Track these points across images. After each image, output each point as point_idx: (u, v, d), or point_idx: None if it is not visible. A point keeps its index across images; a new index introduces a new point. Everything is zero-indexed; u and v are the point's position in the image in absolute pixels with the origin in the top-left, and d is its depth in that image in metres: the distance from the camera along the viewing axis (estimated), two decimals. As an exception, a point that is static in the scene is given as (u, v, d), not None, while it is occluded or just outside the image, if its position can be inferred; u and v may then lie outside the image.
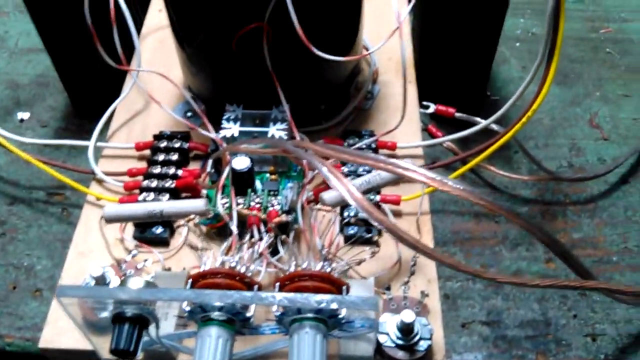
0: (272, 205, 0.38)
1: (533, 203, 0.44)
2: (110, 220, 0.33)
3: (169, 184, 0.41)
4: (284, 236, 0.36)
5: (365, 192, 0.34)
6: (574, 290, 0.39)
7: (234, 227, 0.35)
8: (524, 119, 0.38)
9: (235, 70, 0.41)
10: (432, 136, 0.47)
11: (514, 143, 0.44)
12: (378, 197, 0.39)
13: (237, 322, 0.29)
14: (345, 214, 0.39)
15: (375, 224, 0.29)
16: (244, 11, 0.37)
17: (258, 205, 0.38)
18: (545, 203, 0.44)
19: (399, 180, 0.39)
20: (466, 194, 0.29)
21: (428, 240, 0.39)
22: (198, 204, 0.32)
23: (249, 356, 0.33)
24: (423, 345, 0.33)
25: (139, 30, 0.53)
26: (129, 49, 0.45)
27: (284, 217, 0.35)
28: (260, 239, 0.35)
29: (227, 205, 0.38)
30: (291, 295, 0.28)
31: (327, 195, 0.33)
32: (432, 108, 0.46)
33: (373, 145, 0.43)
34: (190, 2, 0.38)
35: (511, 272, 0.40)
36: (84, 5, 0.40)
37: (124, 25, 0.43)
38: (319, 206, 0.36)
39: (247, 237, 0.35)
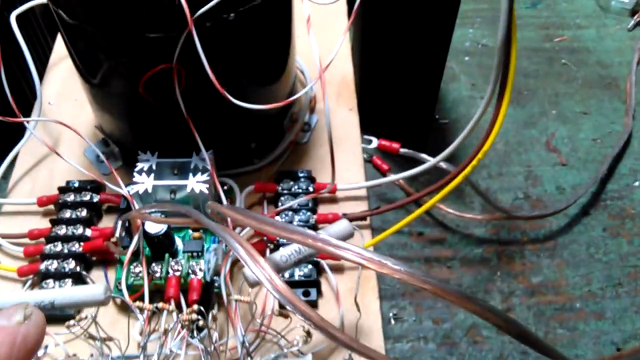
0: (194, 272, 0.33)
1: (488, 243, 0.40)
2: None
3: (76, 247, 0.35)
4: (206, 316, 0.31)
5: (298, 263, 0.29)
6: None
7: (141, 316, 0.30)
8: (474, 162, 0.34)
9: (145, 115, 0.36)
10: (378, 169, 0.43)
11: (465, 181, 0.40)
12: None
13: None
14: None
15: (302, 320, 0.24)
16: (150, 50, 0.31)
17: (177, 274, 0.33)
18: (502, 242, 0.40)
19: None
20: (410, 277, 0.25)
21: (373, 299, 0.35)
22: (96, 292, 0.27)
23: None
24: None
25: (46, 60, 0.47)
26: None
27: (194, 316, 0.30)
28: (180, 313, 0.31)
29: (140, 275, 0.33)
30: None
31: (248, 272, 0.28)
32: (375, 142, 0.41)
33: (310, 189, 0.39)
34: (86, 38, 0.33)
35: (466, 327, 0.36)
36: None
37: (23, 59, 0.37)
38: (236, 297, 0.31)
39: (163, 316, 0.31)
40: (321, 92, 0.45)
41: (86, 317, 0.32)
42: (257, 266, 0.25)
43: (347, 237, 0.29)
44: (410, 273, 0.25)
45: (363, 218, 0.38)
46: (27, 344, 0.20)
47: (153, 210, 0.31)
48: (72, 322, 0.31)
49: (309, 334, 0.30)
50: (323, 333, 0.25)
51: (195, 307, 0.30)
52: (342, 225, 0.29)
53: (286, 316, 0.31)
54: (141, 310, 0.31)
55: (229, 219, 0.31)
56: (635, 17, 0.54)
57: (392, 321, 0.37)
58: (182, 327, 0.29)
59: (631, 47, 0.52)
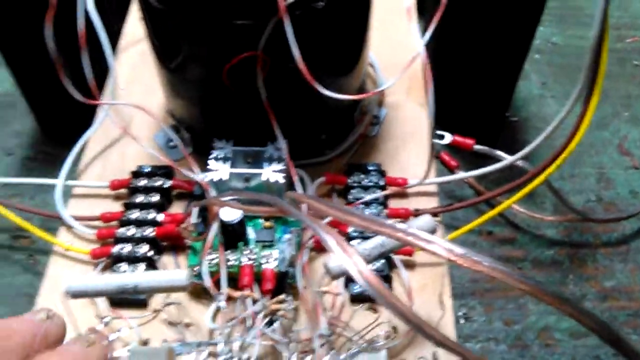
0: (267, 261, 0.33)
1: (560, 245, 0.39)
2: (75, 296, 0.28)
3: (149, 232, 0.35)
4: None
5: (379, 257, 0.29)
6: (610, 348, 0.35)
7: (222, 303, 0.30)
8: (558, 161, 0.33)
9: (224, 102, 0.36)
10: (445, 165, 0.42)
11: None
12: (388, 247, 0.34)
13: None
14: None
15: (389, 309, 0.24)
16: (236, 38, 0.31)
17: (251, 262, 0.33)
18: (574, 245, 0.39)
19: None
20: (506, 276, 0.24)
21: (446, 297, 0.35)
22: (180, 277, 0.27)
23: None
24: None
25: (115, 43, 0.47)
26: (104, 68, 0.39)
27: (278, 305, 0.30)
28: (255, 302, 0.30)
29: (215, 261, 0.33)
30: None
31: (333, 264, 0.28)
32: (448, 138, 0.41)
33: (381, 183, 0.38)
34: (172, 23, 0.33)
35: (538, 329, 0.36)
36: (46, 34, 0.34)
37: (96, 43, 0.37)
38: (321, 288, 0.31)
39: (238, 305, 0.31)
40: (392, 88, 0.45)
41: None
42: (347, 256, 0.25)
43: (431, 232, 0.29)
44: (507, 272, 0.25)
45: (435, 214, 0.38)
46: (48, 339, 0.23)
47: (232, 198, 0.31)
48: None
49: (395, 329, 0.30)
50: (413, 327, 0.24)
51: (281, 296, 0.30)
52: (426, 220, 0.29)
53: (375, 310, 0.31)
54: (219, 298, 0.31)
55: (305, 209, 0.31)
56: None
57: (462, 320, 0.36)
58: (265, 316, 0.29)
59: None
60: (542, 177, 0.33)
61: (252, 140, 0.36)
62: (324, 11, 0.31)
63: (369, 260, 0.29)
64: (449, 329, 0.33)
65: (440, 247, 0.25)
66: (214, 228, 0.32)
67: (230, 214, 0.32)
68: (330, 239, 0.25)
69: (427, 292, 0.35)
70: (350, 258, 0.25)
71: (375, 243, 0.29)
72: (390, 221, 0.31)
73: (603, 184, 0.42)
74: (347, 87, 0.38)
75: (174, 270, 0.33)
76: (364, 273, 0.24)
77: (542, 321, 0.36)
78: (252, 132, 0.36)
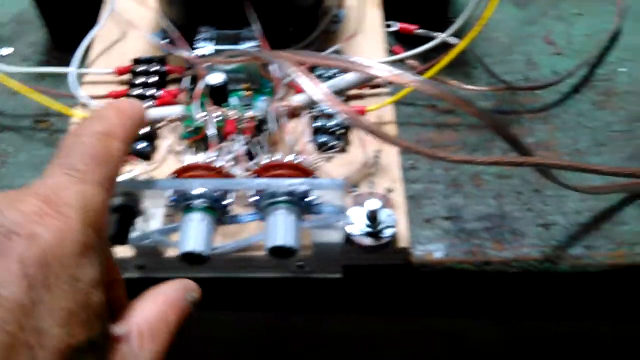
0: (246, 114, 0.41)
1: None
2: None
3: (150, 103, 0.43)
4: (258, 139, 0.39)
5: (339, 93, 0.37)
6: (528, 187, 0.43)
7: (212, 130, 0.38)
8: (477, 27, 0.41)
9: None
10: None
11: (473, 59, 0.48)
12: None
13: (217, 210, 0.32)
14: (314, 124, 0.42)
15: (344, 117, 0.32)
16: None
17: (234, 117, 0.41)
18: (503, 112, 0.47)
19: (362, 83, 0.42)
20: (426, 86, 0.32)
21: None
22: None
23: (230, 250, 0.36)
24: (388, 232, 0.37)
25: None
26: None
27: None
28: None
29: (205, 117, 0.40)
30: (265, 180, 0.31)
31: (297, 98, 0.36)
32: (396, 26, 0.49)
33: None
34: None
35: (470, 173, 0.44)
36: None
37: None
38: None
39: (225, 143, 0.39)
40: (349, -8, 0.52)
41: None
42: (309, 81, 0.33)
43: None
44: (429, 83, 0.33)
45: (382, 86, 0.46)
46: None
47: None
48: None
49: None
50: (358, 126, 0.32)
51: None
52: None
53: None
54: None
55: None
56: None
57: (409, 170, 0.44)
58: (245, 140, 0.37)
59: (625, -40, 0.58)
60: (463, 43, 0.41)
61: (231, 27, 0.44)
62: None
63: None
64: (395, 170, 0.41)
65: (379, 70, 0.33)
66: (201, 85, 0.40)
67: (215, 77, 0.40)
68: (296, 71, 0.33)
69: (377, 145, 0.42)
70: (313, 83, 0.33)
71: (328, 84, 0.37)
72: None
73: (530, 66, 0.50)
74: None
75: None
76: (323, 93, 0.33)
77: (474, 168, 0.44)
78: (230, 20, 0.43)
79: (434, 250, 0.40)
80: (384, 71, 0.32)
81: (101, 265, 0.22)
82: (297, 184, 0.31)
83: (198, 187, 0.31)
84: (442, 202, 0.42)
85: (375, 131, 0.32)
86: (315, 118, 0.42)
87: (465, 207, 0.42)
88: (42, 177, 0.23)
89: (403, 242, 0.38)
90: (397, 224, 0.37)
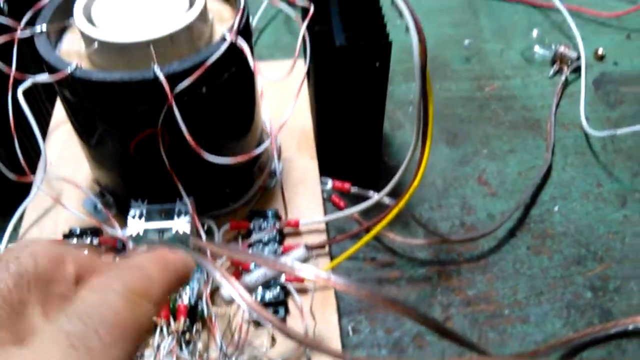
0: (180, 297, 0.40)
1: (430, 264, 0.47)
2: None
3: (81, 283, 0.42)
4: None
5: (265, 283, 0.36)
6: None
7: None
8: (406, 196, 0.41)
9: (136, 170, 0.43)
10: (336, 206, 0.50)
11: (408, 215, 0.48)
12: (283, 277, 0.42)
13: None
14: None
15: (268, 324, 0.31)
16: (139, 120, 0.39)
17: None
18: (441, 263, 0.47)
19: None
20: (353, 289, 0.32)
21: (331, 313, 0.42)
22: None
23: None
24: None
25: (47, 124, 0.54)
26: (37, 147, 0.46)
27: (182, 326, 0.37)
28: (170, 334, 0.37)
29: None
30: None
31: (224, 292, 0.35)
32: (330, 183, 0.49)
33: (278, 226, 0.46)
34: (85, 111, 0.40)
35: (413, 334, 0.43)
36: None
37: (27, 125, 0.44)
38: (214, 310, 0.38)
39: (156, 334, 0.37)
40: (286, 144, 0.53)
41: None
42: (230, 285, 0.32)
43: (304, 260, 0.37)
44: (350, 285, 0.33)
45: (322, 247, 0.45)
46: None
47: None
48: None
49: (273, 338, 0.37)
50: (285, 335, 0.32)
51: (182, 319, 0.37)
52: (299, 252, 0.37)
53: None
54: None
55: (208, 252, 0.38)
56: (555, 65, 0.63)
57: (351, 333, 0.43)
58: (173, 339, 0.36)
59: (551, 92, 0.61)
60: (397, 208, 0.42)
61: (165, 199, 0.43)
62: (208, 94, 0.39)
63: (256, 285, 0.36)
64: (335, 341, 0.41)
65: (302, 271, 0.33)
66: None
67: (146, 261, 0.39)
68: (217, 272, 0.33)
69: (317, 312, 0.42)
70: (232, 286, 0.32)
71: (258, 274, 0.36)
72: (269, 255, 0.38)
73: (465, 210, 0.51)
74: (244, 147, 0.46)
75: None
76: (242, 296, 0.32)
77: (415, 329, 0.44)
78: (163, 193, 0.43)
79: None
80: (309, 273, 0.32)
81: None
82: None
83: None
84: (386, 370, 0.42)
85: (298, 339, 0.31)
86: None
87: (409, 377, 0.41)
88: (32, 334, 0.19)
89: None
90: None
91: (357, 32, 0.43)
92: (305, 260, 0.37)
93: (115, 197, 0.47)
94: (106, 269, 0.21)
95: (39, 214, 0.48)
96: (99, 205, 0.46)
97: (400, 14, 0.38)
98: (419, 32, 0.38)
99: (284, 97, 0.43)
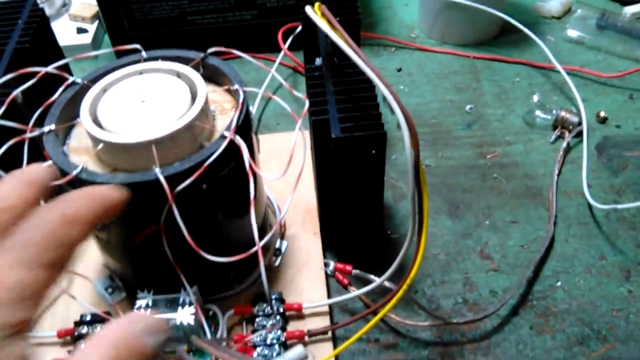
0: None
1: (433, 345, 0.48)
2: None
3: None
4: None
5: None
6: None
7: None
8: (408, 281, 0.42)
9: (141, 262, 0.44)
10: (340, 283, 0.51)
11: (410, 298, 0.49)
12: None
13: None
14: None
15: None
16: (143, 216, 0.40)
17: (173, 393, 0.41)
18: (444, 344, 0.48)
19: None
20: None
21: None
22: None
23: None
24: None
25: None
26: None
27: None
28: None
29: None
30: None
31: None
32: (332, 266, 0.50)
33: (281, 310, 0.47)
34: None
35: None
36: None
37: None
38: None
39: None
40: (290, 219, 0.54)
41: None
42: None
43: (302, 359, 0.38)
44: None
45: (325, 332, 0.46)
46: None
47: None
48: None
49: None
50: None
51: None
52: (297, 351, 0.38)
53: None
54: None
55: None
56: (556, 130, 0.64)
57: (354, 419, 0.44)
58: None
59: (553, 159, 0.61)
60: (398, 295, 0.42)
61: (170, 288, 0.44)
62: (209, 190, 0.40)
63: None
64: None
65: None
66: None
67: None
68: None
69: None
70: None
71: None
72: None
73: (468, 287, 0.51)
74: (247, 227, 0.47)
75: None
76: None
77: (418, 413, 0.44)
78: (168, 282, 0.44)
79: None
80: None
81: None
82: None
83: None
84: None
85: None
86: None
87: None
88: None
89: None
90: None
91: (354, 122, 0.44)
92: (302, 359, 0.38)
93: (124, 282, 0.49)
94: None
95: (51, 300, 0.49)
96: (106, 295, 0.47)
97: (392, 110, 0.39)
98: (411, 128, 0.39)
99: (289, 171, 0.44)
